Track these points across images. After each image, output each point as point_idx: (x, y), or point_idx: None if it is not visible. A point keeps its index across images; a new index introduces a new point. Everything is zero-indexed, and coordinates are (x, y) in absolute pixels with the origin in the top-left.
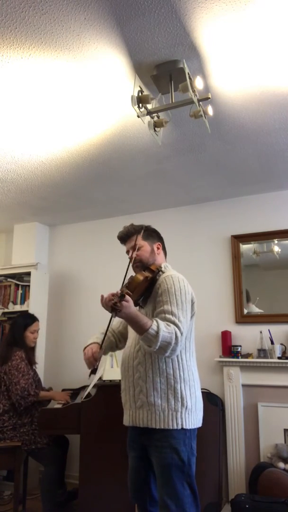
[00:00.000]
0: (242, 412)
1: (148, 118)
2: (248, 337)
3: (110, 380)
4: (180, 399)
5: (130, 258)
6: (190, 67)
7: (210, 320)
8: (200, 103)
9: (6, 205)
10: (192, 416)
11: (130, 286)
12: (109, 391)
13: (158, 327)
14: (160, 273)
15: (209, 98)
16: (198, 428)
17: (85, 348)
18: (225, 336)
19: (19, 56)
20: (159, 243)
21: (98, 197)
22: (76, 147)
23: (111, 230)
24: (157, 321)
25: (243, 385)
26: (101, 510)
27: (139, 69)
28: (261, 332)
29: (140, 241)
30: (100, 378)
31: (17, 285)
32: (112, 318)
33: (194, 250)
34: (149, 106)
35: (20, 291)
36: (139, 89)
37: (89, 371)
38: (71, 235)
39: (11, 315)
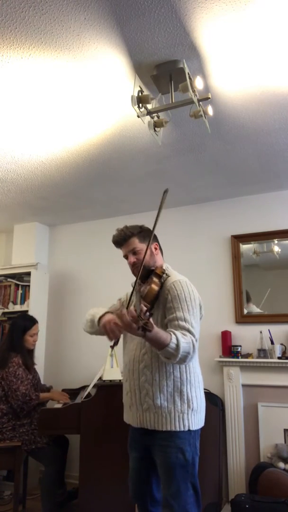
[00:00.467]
0: (242, 412)
1: (148, 118)
2: (248, 337)
3: (110, 380)
4: (186, 401)
5: (131, 263)
6: (190, 67)
7: (210, 320)
8: (200, 103)
9: (6, 205)
10: (197, 417)
11: (147, 299)
12: (109, 391)
13: (177, 339)
14: (165, 275)
15: (209, 98)
16: None
17: (100, 319)
18: (225, 336)
19: (19, 56)
20: (156, 243)
21: (98, 197)
22: (76, 147)
23: (111, 230)
24: (175, 334)
25: (243, 385)
26: (101, 510)
27: (139, 69)
28: (261, 332)
29: (138, 244)
30: (100, 378)
31: (17, 285)
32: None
33: (194, 250)
34: (149, 106)
35: (20, 291)
36: (139, 89)
37: (110, 343)
38: (71, 235)
39: (11, 315)
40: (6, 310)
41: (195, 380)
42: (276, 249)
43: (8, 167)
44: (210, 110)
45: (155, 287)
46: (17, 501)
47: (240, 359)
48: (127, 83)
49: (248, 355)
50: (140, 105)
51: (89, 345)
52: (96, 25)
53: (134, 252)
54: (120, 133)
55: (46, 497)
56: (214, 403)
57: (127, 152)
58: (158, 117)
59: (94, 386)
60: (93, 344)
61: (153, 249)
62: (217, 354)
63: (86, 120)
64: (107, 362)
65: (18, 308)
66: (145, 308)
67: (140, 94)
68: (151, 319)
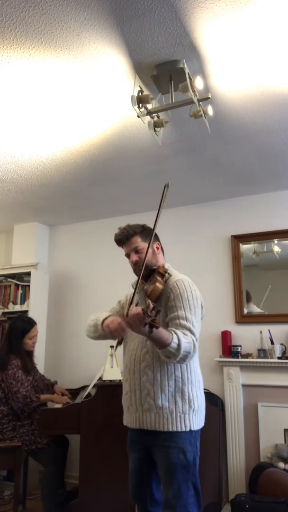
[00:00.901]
0: (242, 412)
1: (148, 118)
2: (248, 337)
3: (110, 380)
4: (187, 401)
5: (133, 262)
6: (190, 67)
7: (210, 320)
8: (200, 103)
9: (6, 205)
10: (198, 417)
11: (152, 297)
12: (109, 391)
13: (178, 339)
14: (167, 275)
15: (209, 98)
16: None
17: (104, 322)
18: (225, 336)
19: (19, 56)
20: (158, 242)
21: (98, 197)
22: (76, 147)
23: (111, 230)
24: (176, 333)
25: (243, 385)
26: (101, 510)
27: (139, 69)
28: (261, 332)
29: (140, 242)
30: (100, 378)
31: (17, 285)
32: (136, 293)
33: (194, 250)
34: (149, 106)
35: (20, 291)
36: (139, 89)
37: (113, 343)
38: (71, 235)
39: (11, 315)
40: (6, 310)
41: (196, 380)
42: (276, 249)
43: (8, 167)
44: (210, 110)
45: (159, 285)
46: (17, 501)
47: (240, 359)
48: (127, 83)
49: (248, 355)
50: (140, 105)
51: (89, 345)
52: (96, 25)
53: (137, 251)
54: (120, 133)
55: (46, 497)
56: (214, 403)
57: (127, 152)
58: (158, 117)
59: (94, 386)
60: (93, 344)
61: (155, 248)
62: (217, 354)
63: (86, 120)
64: (107, 362)
65: (18, 308)
66: (152, 305)
67: (140, 94)
68: (157, 317)
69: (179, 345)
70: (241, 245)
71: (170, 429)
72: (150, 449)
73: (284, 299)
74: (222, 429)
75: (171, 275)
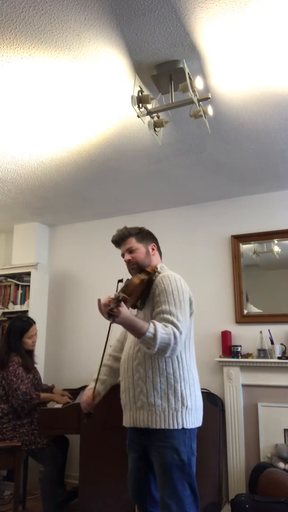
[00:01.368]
0: (242, 412)
1: (148, 118)
2: (248, 337)
3: None
4: (180, 399)
5: (126, 261)
6: (190, 67)
7: (210, 320)
8: (200, 103)
9: (6, 205)
10: (192, 416)
11: (127, 290)
12: (109, 391)
13: (155, 329)
14: (157, 274)
15: (209, 98)
16: (198, 428)
17: (85, 390)
18: (225, 336)
19: (19, 56)
20: (154, 244)
21: (98, 197)
22: (76, 147)
23: (111, 230)
24: (154, 324)
25: (243, 385)
26: (101, 510)
27: (139, 69)
28: (261, 332)
29: (135, 243)
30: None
31: (17, 285)
32: (111, 326)
33: (194, 250)
34: (149, 106)
35: (20, 291)
36: (139, 89)
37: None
38: (71, 235)
39: (11, 315)
40: (6, 310)
41: (190, 378)
42: (276, 249)
43: (8, 167)
44: (210, 110)
45: (136, 280)
46: (17, 501)
47: (240, 359)
48: (127, 83)
49: (248, 355)
50: (140, 105)
51: (89, 345)
52: (96, 25)
53: (131, 251)
54: (120, 133)
55: (46, 497)
56: (214, 403)
57: (127, 152)
58: (158, 117)
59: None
60: (93, 344)
61: (150, 249)
62: (217, 354)
63: (86, 120)
64: None
65: (18, 308)
66: (115, 296)
67: (140, 94)
68: (123, 308)
69: (154, 334)
70: (241, 245)
71: (163, 427)
72: (147, 448)
73: (284, 299)
74: (222, 429)
75: (160, 273)
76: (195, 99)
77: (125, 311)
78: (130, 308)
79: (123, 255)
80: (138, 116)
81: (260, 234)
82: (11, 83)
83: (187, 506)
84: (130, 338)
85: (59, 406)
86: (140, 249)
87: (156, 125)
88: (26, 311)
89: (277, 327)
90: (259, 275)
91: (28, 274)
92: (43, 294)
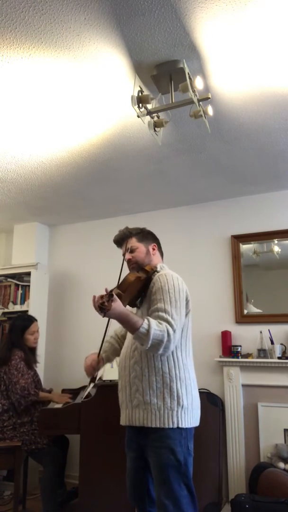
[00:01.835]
0: (242, 412)
1: (148, 118)
2: (248, 337)
3: (110, 380)
4: (176, 398)
5: (126, 260)
6: (190, 67)
7: (210, 320)
8: (200, 103)
9: (6, 205)
10: (188, 415)
11: (121, 286)
12: (109, 391)
13: (149, 325)
14: (155, 273)
15: (209, 98)
16: (198, 428)
17: (87, 357)
18: (225, 336)
19: (19, 56)
20: (155, 244)
21: (98, 197)
22: (76, 147)
23: (111, 230)
24: (148, 320)
25: (243, 385)
26: (101, 510)
27: (139, 69)
28: (261, 332)
29: (135, 243)
30: (100, 378)
31: (17, 285)
32: (109, 322)
33: (194, 250)
34: (149, 106)
35: (20, 291)
36: (139, 89)
37: (88, 379)
38: (71, 235)
39: (11, 315)
40: (6, 310)
41: (186, 377)
42: (276, 249)
43: (8, 167)
44: (210, 110)
45: (131, 276)
46: (17, 501)
47: (240, 359)
48: (127, 83)
49: (248, 355)
50: (140, 105)
51: (89, 345)
52: (96, 25)
53: (131, 250)
54: (120, 133)
55: (46, 497)
56: (214, 403)
57: (127, 152)
58: (158, 117)
59: (94, 386)
60: (93, 344)
61: (151, 249)
62: (217, 354)
63: (86, 120)
64: None
65: (18, 308)
66: (107, 292)
67: (140, 94)
68: (115, 303)
69: (148, 330)
70: (241, 245)
71: (158, 425)
72: (143, 448)
73: (284, 299)
74: (222, 429)
75: (158, 272)
76: (195, 99)
77: (118, 305)
78: (130, 308)
79: (123, 255)
80: (138, 116)
81: (260, 234)
82: (11, 83)
83: (184, 506)
84: (129, 337)
85: (59, 406)
86: (140, 248)
87: (156, 125)
88: (26, 311)
89: (277, 327)
90: (259, 275)
91: (28, 274)
92: (43, 294)
